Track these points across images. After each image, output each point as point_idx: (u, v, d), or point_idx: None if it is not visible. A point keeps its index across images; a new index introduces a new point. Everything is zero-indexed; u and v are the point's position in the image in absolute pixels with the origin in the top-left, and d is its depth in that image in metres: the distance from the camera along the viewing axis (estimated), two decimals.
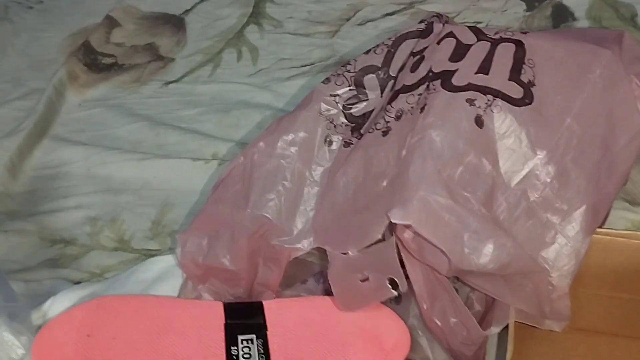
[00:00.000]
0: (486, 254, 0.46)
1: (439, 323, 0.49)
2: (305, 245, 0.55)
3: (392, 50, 0.58)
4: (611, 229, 0.51)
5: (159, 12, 1.04)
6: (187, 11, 1.04)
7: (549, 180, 0.49)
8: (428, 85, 0.52)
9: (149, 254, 0.67)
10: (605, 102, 0.50)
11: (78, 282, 0.64)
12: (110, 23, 1.01)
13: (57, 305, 0.56)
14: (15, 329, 0.51)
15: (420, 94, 0.51)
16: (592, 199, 0.49)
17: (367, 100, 0.57)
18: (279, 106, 0.83)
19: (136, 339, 0.52)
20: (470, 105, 0.49)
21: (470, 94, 0.50)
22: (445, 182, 0.47)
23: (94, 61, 0.95)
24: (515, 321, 0.50)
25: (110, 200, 0.75)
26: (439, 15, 0.60)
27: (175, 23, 1.02)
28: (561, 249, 0.48)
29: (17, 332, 0.51)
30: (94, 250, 0.70)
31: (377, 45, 0.61)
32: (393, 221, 0.46)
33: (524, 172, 0.49)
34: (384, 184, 0.48)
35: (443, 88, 0.51)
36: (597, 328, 0.56)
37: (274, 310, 0.54)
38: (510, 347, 0.47)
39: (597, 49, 0.52)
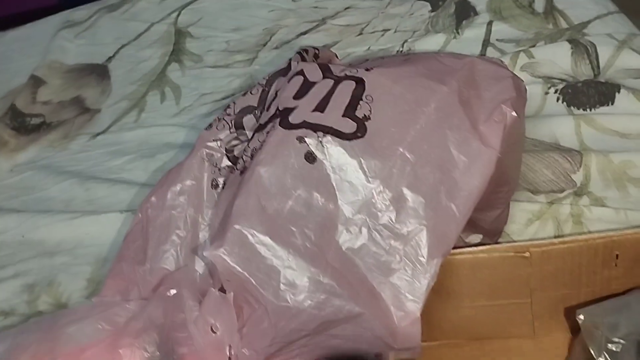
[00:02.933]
0: (302, 289, 0.48)
1: None
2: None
3: (266, 89, 0.61)
4: (472, 243, 0.54)
5: (83, 64, 1.06)
6: (110, 58, 1.06)
7: (385, 207, 0.51)
8: (273, 124, 0.54)
9: None
10: (439, 132, 0.53)
11: None
12: (35, 82, 1.03)
13: None
14: None
15: (268, 132, 0.54)
16: (433, 222, 0.51)
17: (247, 140, 0.59)
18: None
19: None
20: (301, 142, 0.52)
21: (302, 132, 0.53)
22: (269, 217, 0.49)
23: (22, 124, 0.96)
24: None
25: (46, 263, 0.77)
26: (305, 50, 0.62)
27: (100, 72, 1.04)
28: (408, 273, 0.51)
29: None
30: (34, 317, 0.72)
31: (254, 86, 0.64)
32: (208, 255, 0.48)
33: (360, 202, 0.51)
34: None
35: (280, 126, 0.54)
36: (487, 335, 0.60)
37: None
38: None
39: (434, 85, 0.54)
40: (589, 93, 0.78)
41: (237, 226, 0.49)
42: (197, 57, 1.02)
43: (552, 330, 0.59)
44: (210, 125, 0.63)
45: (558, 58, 0.82)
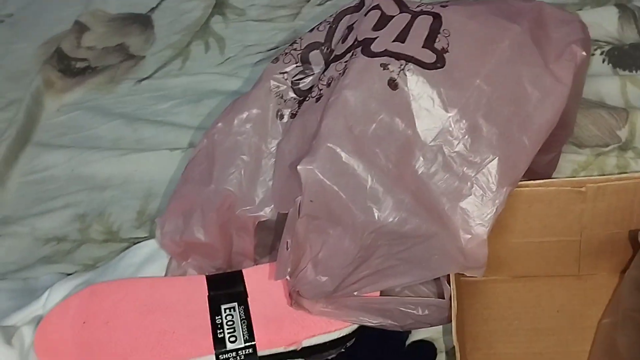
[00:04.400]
0: (386, 206, 0.51)
1: None
2: (267, 212, 0.59)
3: (334, 26, 0.63)
4: (530, 179, 0.56)
5: (126, 13, 1.07)
6: (153, 9, 1.07)
7: (461, 136, 0.53)
8: (352, 53, 0.56)
9: (137, 242, 0.71)
10: (513, 67, 0.55)
11: (72, 274, 0.68)
12: (80, 28, 1.04)
13: (54, 296, 0.60)
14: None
15: (346, 61, 0.56)
16: (505, 152, 0.53)
17: (312, 74, 0.61)
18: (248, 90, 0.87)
19: (127, 320, 0.56)
20: (384, 69, 0.54)
21: (385, 59, 0.54)
22: (356, 138, 0.52)
23: (68, 67, 0.98)
24: (458, 277, 0.54)
25: (96, 197, 0.79)
26: None
27: (143, 22, 1.05)
28: (478, 199, 0.53)
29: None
30: (85, 244, 0.74)
31: (320, 23, 0.65)
32: (299, 169, 0.50)
33: (438, 130, 0.53)
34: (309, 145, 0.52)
35: (362, 54, 0.55)
36: (533, 273, 0.61)
37: (252, 277, 0.59)
38: (454, 304, 0.52)
39: (507, 24, 0.56)
40: (635, 55, 0.79)
41: (328, 144, 0.51)
42: (240, 11, 1.03)
43: (597, 270, 0.61)
44: (277, 59, 0.64)
45: (604, 21, 0.83)
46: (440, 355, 0.57)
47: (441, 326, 0.58)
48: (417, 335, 0.58)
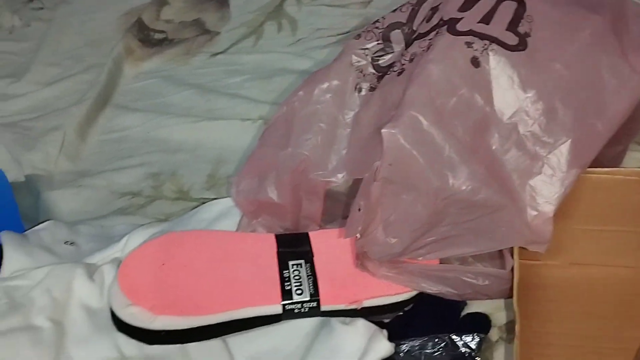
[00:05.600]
0: (461, 174, 0.53)
1: None
2: (339, 177, 0.62)
3: (416, 8, 0.65)
4: (597, 167, 0.58)
5: None
6: None
7: (537, 116, 0.56)
8: (437, 31, 0.59)
9: (207, 202, 0.75)
10: (593, 55, 0.57)
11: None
12: (160, 1, 1.09)
13: (132, 241, 0.65)
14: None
15: (430, 39, 0.59)
16: (578, 135, 0.55)
17: (392, 52, 0.64)
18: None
19: (202, 266, 0.60)
20: (468, 47, 0.57)
21: (469, 38, 0.57)
22: (437, 109, 0.54)
23: (147, 37, 1.03)
24: (519, 253, 0.56)
25: (169, 158, 0.83)
26: None
27: (219, 0, 1.09)
28: (547, 178, 0.55)
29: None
30: (158, 200, 0.78)
31: (403, 4, 0.68)
32: (382, 132, 0.53)
33: (515, 109, 0.56)
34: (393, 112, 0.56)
35: (448, 32, 0.58)
36: (590, 260, 0.62)
37: (318, 239, 0.62)
38: (516, 274, 0.54)
39: (589, 14, 0.59)
40: None
41: (411, 112, 0.54)
42: None
43: None
44: (359, 35, 0.68)
45: None
46: (493, 329, 0.60)
47: (495, 301, 0.60)
48: (472, 307, 0.60)
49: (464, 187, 0.53)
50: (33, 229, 0.66)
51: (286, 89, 0.90)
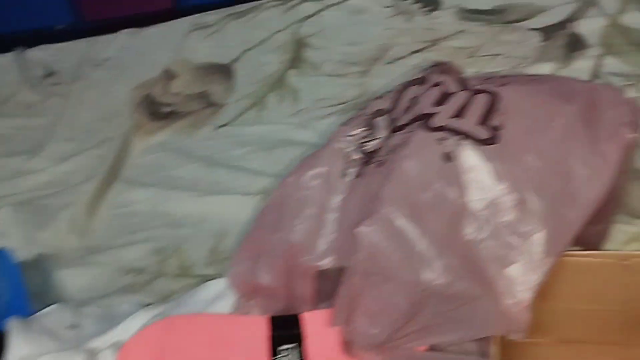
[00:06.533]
0: (436, 268, 0.55)
1: None
2: (327, 262, 0.64)
3: (398, 96, 0.68)
4: (577, 249, 0.59)
5: (210, 62, 1.16)
6: (234, 60, 1.15)
7: (510, 208, 0.57)
8: (414, 125, 0.62)
9: (208, 278, 0.77)
10: (564, 146, 0.59)
11: (148, 304, 0.75)
12: (169, 75, 1.14)
13: (133, 324, 0.67)
14: None
15: (408, 132, 0.61)
16: (551, 225, 0.57)
17: (377, 138, 0.67)
18: (317, 142, 0.92)
19: (198, 353, 0.62)
20: (440, 143, 0.59)
21: (442, 134, 0.60)
22: (412, 204, 0.57)
23: (156, 110, 1.07)
24: (503, 339, 0.58)
25: (173, 233, 0.86)
26: (438, 64, 0.69)
27: (225, 72, 1.14)
28: (523, 267, 0.57)
29: None
30: (161, 277, 0.81)
31: (388, 92, 0.71)
32: (357, 232, 0.55)
33: (488, 200, 0.58)
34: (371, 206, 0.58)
35: (422, 128, 0.61)
36: (580, 338, 0.63)
37: (311, 321, 0.64)
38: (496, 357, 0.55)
39: (561, 104, 0.61)
40: None
41: (386, 209, 0.57)
42: (315, 66, 1.10)
43: None
44: (347, 122, 0.71)
45: None
46: None
47: None
48: None
49: (438, 281, 0.55)
50: (38, 313, 0.70)
51: (287, 161, 0.93)
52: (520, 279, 0.56)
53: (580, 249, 0.65)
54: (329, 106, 1.01)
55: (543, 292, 0.60)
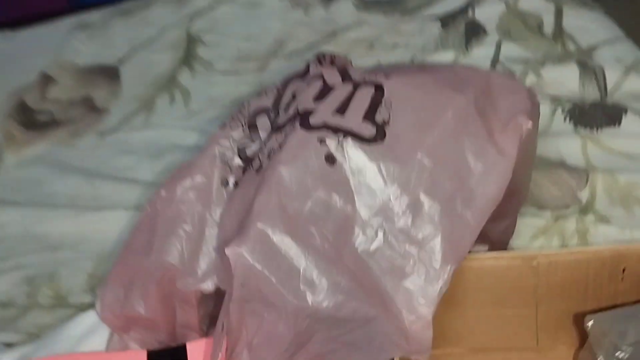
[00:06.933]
0: (321, 289, 0.49)
1: None
2: (210, 285, 0.57)
3: (281, 91, 0.61)
4: (486, 250, 0.54)
5: (94, 64, 1.06)
6: (121, 60, 1.06)
7: (402, 212, 0.52)
8: (291, 125, 0.55)
9: (86, 308, 0.68)
10: (457, 139, 0.54)
11: (12, 344, 0.65)
12: (45, 80, 1.03)
13: None
14: None
15: (287, 133, 0.54)
16: (448, 229, 0.51)
17: (259, 140, 0.60)
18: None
19: None
20: (321, 144, 0.53)
21: (322, 133, 0.53)
22: (290, 217, 0.50)
23: (30, 119, 0.97)
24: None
25: (48, 257, 0.77)
26: (322, 55, 0.63)
27: (110, 73, 1.04)
28: (421, 278, 0.51)
29: None
30: (32, 310, 0.71)
31: (269, 87, 0.64)
32: (227, 252, 0.48)
33: (378, 206, 0.52)
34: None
35: (300, 127, 0.54)
36: (491, 345, 0.59)
37: (197, 352, 0.56)
38: None
39: (452, 94, 0.56)
40: (596, 114, 0.79)
41: (259, 224, 0.50)
42: (208, 63, 1.03)
43: (556, 343, 0.59)
44: (224, 125, 0.63)
45: (566, 79, 0.83)
46: None
47: None
48: None
49: (325, 304, 0.49)
50: None
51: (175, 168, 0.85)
52: (420, 292, 0.50)
53: (486, 247, 0.61)
54: (223, 107, 0.93)
55: (449, 300, 0.55)
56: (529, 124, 0.55)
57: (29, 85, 1.02)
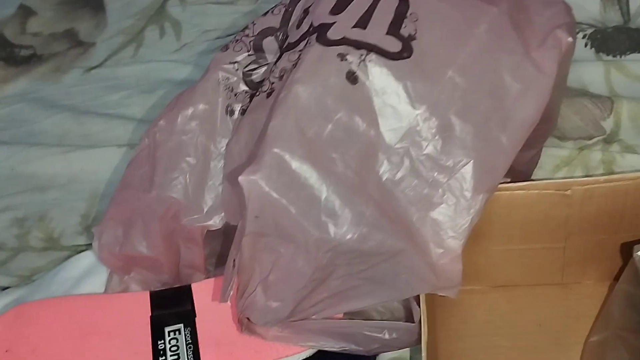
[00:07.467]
0: (344, 220, 0.44)
1: None
2: (217, 221, 0.53)
3: (290, 9, 0.56)
4: (510, 182, 0.50)
5: None
6: None
7: (431, 136, 0.47)
8: (307, 41, 0.49)
9: (80, 250, 0.65)
10: (491, 56, 0.48)
11: (6, 288, 0.62)
12: (25, 12, 0.97)
13: None
14: None
15: (300, 51, 0.49)
16: (481, 154, 0.47)
17: (266, 64, 0.54)
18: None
19: (58, 347, 0.50)
20: (342, 60, 0.47)
21: (342, 49, 0.47)
22: (309, 142, 0.45)
23: (11, 54, 0.91)
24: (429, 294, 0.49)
25: (38, 198, 0.73)
26: None
27: (94, 5, 0.98)
28: (450, 208, 0.47)
29: None
30: (23, 253, 0.68)
31: (275, 6, 0.59)
32: (240, 181, 0.43)
33: (405, 129, 0.47)
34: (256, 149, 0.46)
35: (317, 42, 0.48)
36: (514, 282, 0.56)
37: (202, 293, 0.53)
38: (424, 329, 0.46)
39: (484, 5, 0.50)
40: (619, 39, 0.74)
41: (275, 150, 0.44)
42: None
43: (582, 278, 0.56)
44: (227, 47, 0.58)
45: (586, 3, 0.78)
46: None
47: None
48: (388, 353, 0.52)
49: (349, 236, 0.44)
50: None
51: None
52: (449, 223, 0.46)
53: (507, 180, 0.57)
54: (217, 38, 0.88)
55: (475, 234, 0.51)
56: (569, 39, 0.49)
57: (7, 18, 0.96)
